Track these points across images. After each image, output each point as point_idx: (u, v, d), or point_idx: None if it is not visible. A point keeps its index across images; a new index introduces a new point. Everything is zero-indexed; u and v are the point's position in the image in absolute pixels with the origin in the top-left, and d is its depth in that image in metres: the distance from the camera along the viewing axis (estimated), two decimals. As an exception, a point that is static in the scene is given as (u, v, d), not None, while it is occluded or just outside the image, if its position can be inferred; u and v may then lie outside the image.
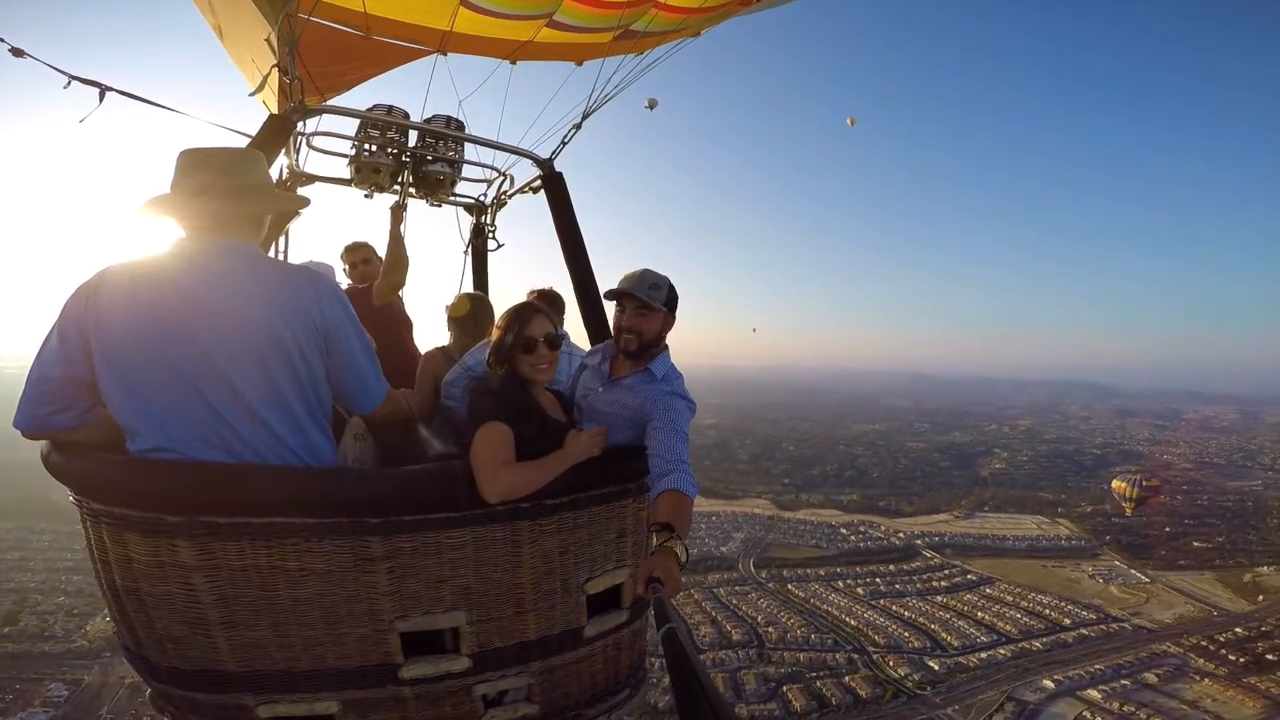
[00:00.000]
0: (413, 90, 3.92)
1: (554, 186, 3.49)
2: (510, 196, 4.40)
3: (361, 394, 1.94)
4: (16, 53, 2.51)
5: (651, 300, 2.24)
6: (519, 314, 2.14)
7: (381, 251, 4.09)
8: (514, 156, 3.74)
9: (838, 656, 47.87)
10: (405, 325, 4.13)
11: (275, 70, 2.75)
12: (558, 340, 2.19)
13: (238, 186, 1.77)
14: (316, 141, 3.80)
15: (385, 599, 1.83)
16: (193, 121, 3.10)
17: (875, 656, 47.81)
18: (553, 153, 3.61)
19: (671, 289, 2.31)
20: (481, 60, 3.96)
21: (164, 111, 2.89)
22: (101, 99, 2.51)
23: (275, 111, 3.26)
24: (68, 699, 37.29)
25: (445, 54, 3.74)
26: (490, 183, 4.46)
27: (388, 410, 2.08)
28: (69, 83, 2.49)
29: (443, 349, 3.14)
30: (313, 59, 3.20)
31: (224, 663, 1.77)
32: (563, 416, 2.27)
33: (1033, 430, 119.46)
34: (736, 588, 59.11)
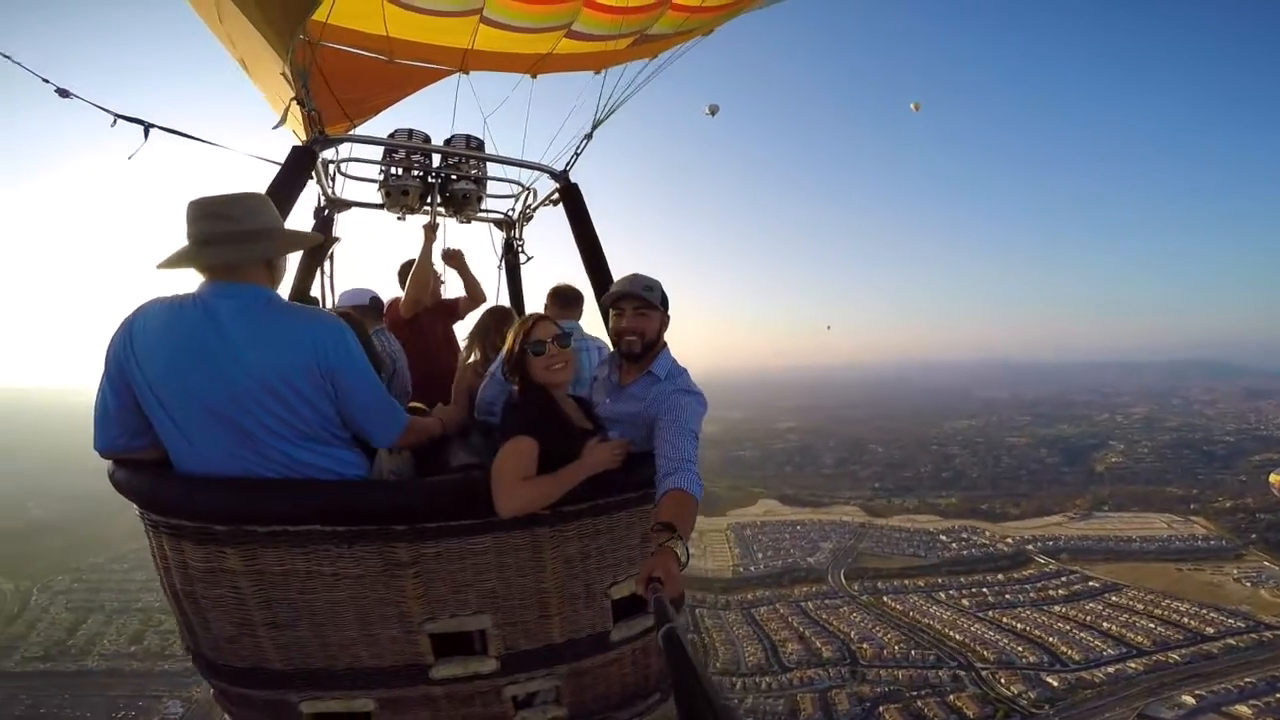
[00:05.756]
0: (439, 110, 4.11)
1: (570, 198, 3.53)
2: (534, 210, 4.49)
3: (371, 430, 2.04)
4: (63, 93, 2.67)
5: (650, 298, 2.27)
6: (522, 323, 2.22)
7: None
8: (537, 171, 3.78)
9: (941, 674, 44.92)
10: (442, 337, 4.23)
11: (294, 102, 2.82)
12: (566, 338, 2.20)
13: (240, 232, 1.89)
14: (347, 168, 3.96)
15: (413, 602, 1.95)
16: (233, 154, 3.23)
17: (984, 673, 44.53)
18: (566, 165, 3.64)
19: (662, 289, 2.33)
20: (504, 76, 4.04)
21: (206, 145, 3.03)
22: (146, 135, 2.65)
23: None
24: (182, 716, 40.69)
25: (467, 72, 3.85)
26: (516, 197, 4.57)
27: (409, 441, 2.18)
28: (115, 121, 2.66)
29: (473, 364, 3.17)
30: (339, 85, 3.33)
31: (270, 661, 1.95)
32: (588, 423, 2.28)
33: (1151, 418, 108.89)
34: (826, 601, 56.97)
